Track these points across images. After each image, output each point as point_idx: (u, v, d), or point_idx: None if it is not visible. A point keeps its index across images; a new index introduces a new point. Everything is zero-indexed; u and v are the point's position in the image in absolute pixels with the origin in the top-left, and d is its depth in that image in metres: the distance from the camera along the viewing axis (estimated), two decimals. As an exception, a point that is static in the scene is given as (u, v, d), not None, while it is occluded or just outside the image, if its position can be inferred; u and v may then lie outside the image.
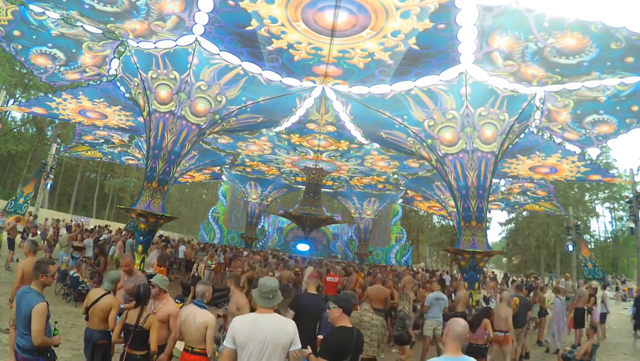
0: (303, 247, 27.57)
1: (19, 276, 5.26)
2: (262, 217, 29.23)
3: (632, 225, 16.01)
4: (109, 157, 19.59)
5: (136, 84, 9.66)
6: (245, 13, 7.09)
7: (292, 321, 2.99)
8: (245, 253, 18.08)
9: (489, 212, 32.31)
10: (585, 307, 10.78)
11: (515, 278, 27.37)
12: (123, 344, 3.88)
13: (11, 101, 31.42)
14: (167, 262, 11.26)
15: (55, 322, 3.71)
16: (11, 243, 12.08)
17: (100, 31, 8.37)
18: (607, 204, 47.23)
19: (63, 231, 16.30)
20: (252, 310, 3.36)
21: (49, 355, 3.40)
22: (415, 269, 23.75)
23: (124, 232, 17.79)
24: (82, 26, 8.25)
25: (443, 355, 2.59)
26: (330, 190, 24.18)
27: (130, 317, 3.88)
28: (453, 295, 10.99)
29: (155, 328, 3.83)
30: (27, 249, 5.72)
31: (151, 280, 4.27)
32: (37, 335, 3.19)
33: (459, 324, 2.58)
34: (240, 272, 10.05)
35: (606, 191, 44.80)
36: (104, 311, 4.10)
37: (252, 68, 9.26)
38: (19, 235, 13.28)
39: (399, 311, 7.10)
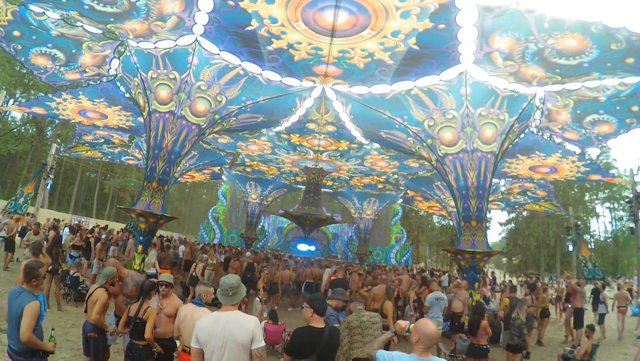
0: (308, 248, 27.48)
1: (21, 278, 5.27)
2: (262, 217, 29.22)
3: (632, 225, 15.99)
4: (109, 157, 19.58)
5: (136, 84, 9.66)
6: (245, 13, 7.09)
7: (254, 318, 2.93)
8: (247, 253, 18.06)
9: (489, 212, 32.31)
10: (584, 307, 10.82)
11: (508, 280, 27.35)
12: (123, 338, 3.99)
13: (11, 101, 31.42)
14: (170, 263, 11.28)
15: (53, 329, 3.68)
16: (10, 244, 12.03)
17: (100, 31, 8.37)
18: (607, 204, 47.24)
19: (66, 231, 16.23)
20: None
21: (41, 353, 3.32)
22: (415, 270, 23.73)
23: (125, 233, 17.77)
24: (82, 26, 8.25)
25: (412, 353, 2.50)
26: (330, 190, 24.18)
27: (132, 310, 4.11)
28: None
29: (152, 318, 4.02)
30: (30, 252, 5.75)
31: (161, 279, 4.41)
32: (25, 331, 3.13)
33: (430, 330, 2.50)
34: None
35: (606, 191, 44.80)
36: (93, 304, 4.33)
37: (252, 68, 9.26)
38: (17, 235, 13.24)
39: (516, 319, 6.84)
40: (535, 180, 15.32)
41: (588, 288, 13.43)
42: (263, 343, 2.80)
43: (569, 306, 11.29)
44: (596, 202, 47.10)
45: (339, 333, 3.70)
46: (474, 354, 6.32)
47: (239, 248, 22.75)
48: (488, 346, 6.39)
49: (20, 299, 3.26)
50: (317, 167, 17.69)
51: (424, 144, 10.30)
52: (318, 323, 3.34)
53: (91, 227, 22.21)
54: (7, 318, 3.36)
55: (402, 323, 3.06)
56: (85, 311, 4.44)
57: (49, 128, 40.67)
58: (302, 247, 27.58)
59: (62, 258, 9.59)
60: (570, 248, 23.20)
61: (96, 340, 4.31)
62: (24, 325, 3.14)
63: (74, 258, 10.64)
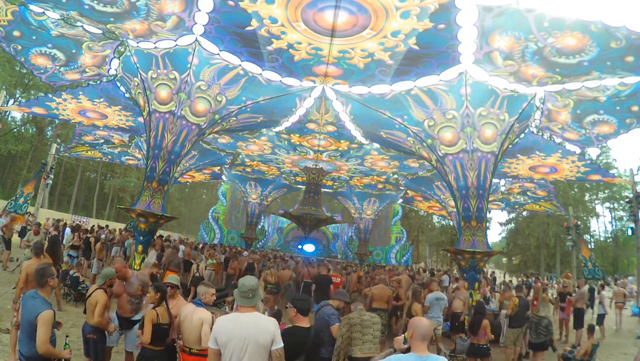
0: (308, 248, 27.39)
1: (23, 278, 5.27)
2: (262, 217, 29.19)
3: (632, 225, 15.98)
4: (109, 157, 19.57)
5: (136, 84, 9.66)
6: (245, 13, 7.09)
7: (273, 319, 2.97)
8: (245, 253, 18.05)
9: (489, 212, 32.30)
10: (584, 307, 10.84)
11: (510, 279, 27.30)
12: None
13: (11, 101, 31.42)
14: (178, 266, 11.24)
15: (67, 336, 3.67)
16: (8, 244, 12.07)
17: (100, 31, 8.37)
18: (607, 204, 47.24)
19: (67, 231, 16.22)
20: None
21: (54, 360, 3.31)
22: (414, 269, 23.73)
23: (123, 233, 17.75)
24: (82, 26, 8.25)
25: (411, 352, 2.51)
26: (330, 190, 24.16)
27: (163, 316, 3.93)
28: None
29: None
30: (32, 252, 5.75)
31: (167, 281, 4.44)
32: (42, 344, 3.11)
33: (423, 323, 2.52)
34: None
35: (606, 191, 44.80)
36: (93, 306, 4.31)
37: (252, 68, 9.26)
38: (16, 235, 13.26)
39: (543, 319, 6.88)
40: (535, 180, 15.31)
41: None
42: (282, 344, 2.84)
43: (565, 305, 11.28)
44: (596, 202, 47.10)
45: (321, 331, 3.73)
46: (475, 354, 6.32)
47: (238, 248, 22.75)
48: (488, 345, 6.40)
49: (33, 306, 3.22)
50: (317, 167, 17.68)
51: (424, 144, 10.30)
52: (303, 322, 3.37)
53: (90, 226, 22.20)
54: (21, 321, 3.35)
55: (399, 338, 3.06)
56: (85, 312, 4.42)
57: (49, 128, 40.71)
58: (308, 247, 27.40)
59: (62, 258, 9.58)
60: (570, 248, 23.18)
61: (95, 341, 4.31)
62: (39, 337, 3.11)
63: (72, 258, 10.65)
